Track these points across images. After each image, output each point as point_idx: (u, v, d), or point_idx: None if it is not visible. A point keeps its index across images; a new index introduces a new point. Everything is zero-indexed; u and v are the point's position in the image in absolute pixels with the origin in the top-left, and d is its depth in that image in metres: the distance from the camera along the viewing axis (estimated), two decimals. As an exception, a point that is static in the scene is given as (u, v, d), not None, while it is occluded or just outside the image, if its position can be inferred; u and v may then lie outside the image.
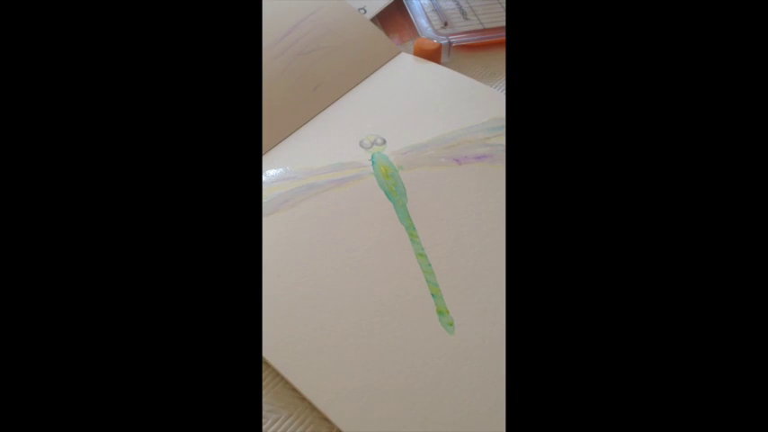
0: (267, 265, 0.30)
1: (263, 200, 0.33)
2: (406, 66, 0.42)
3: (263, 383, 0.27)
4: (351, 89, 0.40)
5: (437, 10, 0.47)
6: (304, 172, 0.35)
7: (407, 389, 0.26)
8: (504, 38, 0.45)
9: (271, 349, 0.27)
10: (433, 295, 0.29)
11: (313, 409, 0.26)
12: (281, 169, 0.35)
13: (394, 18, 0.48)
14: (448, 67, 0.42)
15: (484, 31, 0.45)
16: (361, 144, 0.36)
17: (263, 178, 0.35)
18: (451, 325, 0.28)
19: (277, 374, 0.27)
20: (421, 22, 0.45)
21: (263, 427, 0.26)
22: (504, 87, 0.42)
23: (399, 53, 0.43)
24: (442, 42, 0.43)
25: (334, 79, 0.40)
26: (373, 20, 0.46)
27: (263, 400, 0.27)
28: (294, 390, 0.27)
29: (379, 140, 0.37)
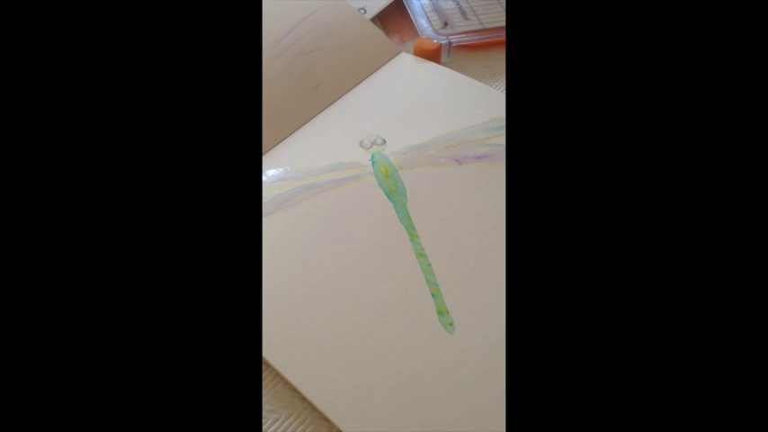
0: (267, 265, 0.30)
1: (263, 200, 0.33)
2: (406, 66, 0.42)
3: (263, 383, 0.27)
4: (351, 89, 0.40)
5: (437, 10, 0.47)
6: (304, 172, 0.35)
7: (407, 389, 0.26)
8: (504, 38, 0.45)
9: (271, 349, 0.27)
10: (433, 295, 0.29)
11: (313, 409, 0.26)
12: (281, 169, 0.35)
13: (394, 18, 0.48)
14: (448, 67, 0.42)
15: (484, 31, 0.45)
16: (361, 144, 0.36)
17: (263, 178, 0.35)
18: (451, 325, 0.28)
19: (277, 374, 0.27)
20: (421, 22, 0.45)
21: (263, 427, 0.26)
22: (504, 87, 0.42)
23: (399, 53, 0.43)
24: (442, 42, 0.43)
25: (334, 79, 0.40)
26: (373, 20, 0.46)
27: (263, 400, 0.27)
28: (294, 390, 0.27)
29: (379, 140, 0.37)
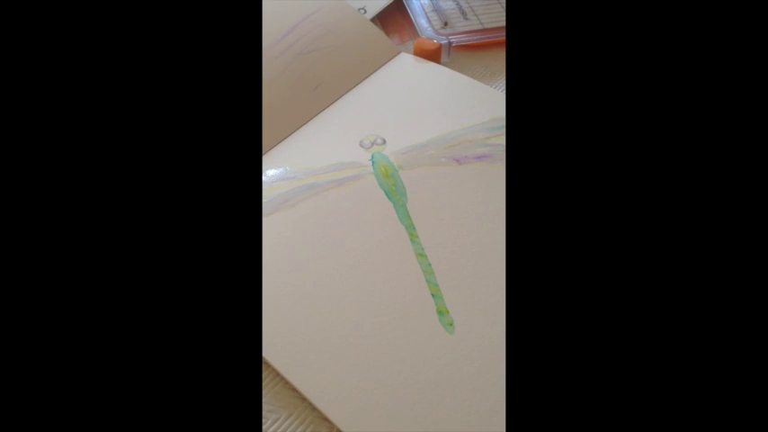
0: (267, 265, 0.30)
1: (263, 200, 0.33)
2: (406, 66, 0.42)
3: (263, 383, 0.27)
4: (351, 89, 0.40)
5: (437, 10, 0.47)
6: (304, 172, 0.35)
7: (407, 389, 0.26)
8: (504, 38, 0.45)
9: (271, 349, 0.27)
10: (433, 295, 0.29)
11: (313, 409, 0.26)
12: (281, 169, 0.35)
13: (394, 18, 0.48)
14: (448, 67, 0.42)
15: (484, 31, 0.45)
16: (361, 144, 0.36)
17: (263, 178, 0.35)
18: (451, 325, 0.28)
19: (277, 374, 0.27)
20: (421, 22, 0.45)
21: (263, 427, 0.26)
22: (504, 87, 0.42)
23: (399, 53, 0.43)
24: (442, 42, 0.43)
25: (335, 79, 0.40)
26: (373, 20, 0.46)
27: (263, 400, 0.27)
28: (294, 390, 0.27)
29: (379, 140, 0.37)
